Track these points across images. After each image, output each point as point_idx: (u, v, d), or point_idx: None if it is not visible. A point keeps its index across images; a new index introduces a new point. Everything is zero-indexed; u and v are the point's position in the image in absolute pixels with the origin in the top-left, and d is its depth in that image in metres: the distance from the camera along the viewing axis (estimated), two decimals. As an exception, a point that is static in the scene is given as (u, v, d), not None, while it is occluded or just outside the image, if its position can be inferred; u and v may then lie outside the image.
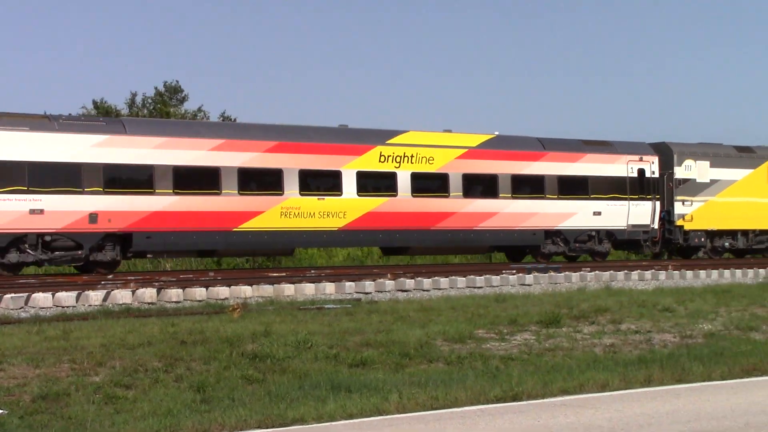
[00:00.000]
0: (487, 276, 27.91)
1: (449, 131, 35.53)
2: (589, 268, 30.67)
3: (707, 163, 38.60)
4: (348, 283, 25.34)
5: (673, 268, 31.16)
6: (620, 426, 10.85)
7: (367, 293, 24.85)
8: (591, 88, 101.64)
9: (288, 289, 24.32)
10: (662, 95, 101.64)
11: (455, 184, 33.54)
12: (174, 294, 22.70)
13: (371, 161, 32.30)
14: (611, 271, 30.11)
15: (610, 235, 36.63)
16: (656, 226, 37.32)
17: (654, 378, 14.28)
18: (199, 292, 23.11)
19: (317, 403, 12.15)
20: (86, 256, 27.79)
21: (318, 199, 30.98)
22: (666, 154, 38.09)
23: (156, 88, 51.13)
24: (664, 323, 19.94)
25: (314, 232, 31.19)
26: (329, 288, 24.93)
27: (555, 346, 17.56)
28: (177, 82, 51.13)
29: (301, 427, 11.19)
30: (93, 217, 27.57)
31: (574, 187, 35.67)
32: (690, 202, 37.97)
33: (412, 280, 26.53)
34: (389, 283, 26.02)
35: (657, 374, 14.48)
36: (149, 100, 50.55)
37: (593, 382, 13.73)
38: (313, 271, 29.18)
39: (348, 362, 15.46)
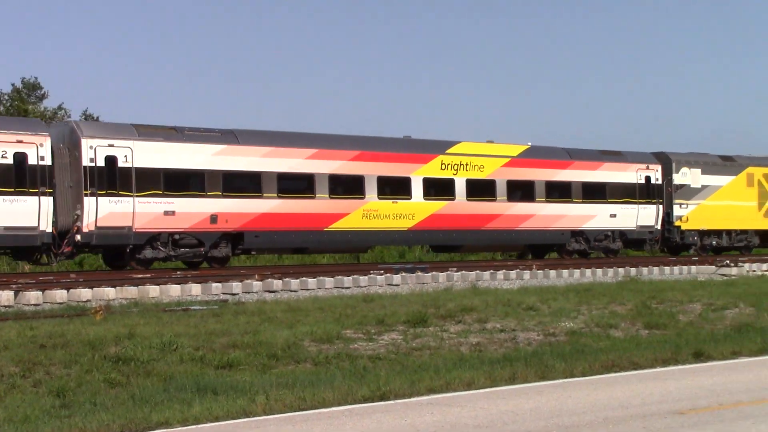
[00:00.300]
0: (355, 276, 27.96)
1: (491, 141, 39.97)
2: (455, 268, 31.07)
3: (699, 170, 43.59)
4: (214, 284, 25.00)
5: (537, 268, 31.88)
6: (486, 423, 10.99)
7: (234, 294, 24.55)
8: (593, 100, 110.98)
9: (153, 291, 23.81)
10: (654, 107, 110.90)
11: (501, 189, 37.57)
12: (33, 296, 21.91)
13: (434, 169, 36.08)
14: (477, 271, 30.55)
15: (622, 234, 41.09)
16: (659, 226, 41.95)
17: (518, 375, 14.55)
18: (59, 295, 22.39)
19: (182, 406, 11.90)
20: (205, 252, 30.89)
21: (392, 202, 34.67)
22: (666, 162, 42.68)
23: (13, 84, 49.42)
24: (528, 322, 20.37)
25: (389, 231, 34.85)
26: (195, 289, 24.53)
27: (422, 345, 17.71)
28: (36, 78, 49.53)
29: (165, 430, 10.95)
30: (213, 218, 30.77)
31: (594, 193, 40.11)
32: (686, 205, 42.70)
33: (280, 281, 26.36)
34: (256, 284, 25.78)
35: (521, 372, 14.76)
36: (5, 97, 48.74)
37: (459, 380, 13.89)
38: (179, 272, 28.66)
39: (214, 364, 15.22)
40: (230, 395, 12.62)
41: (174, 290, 24.19)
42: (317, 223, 32.79)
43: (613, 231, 40.63)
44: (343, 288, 26.74)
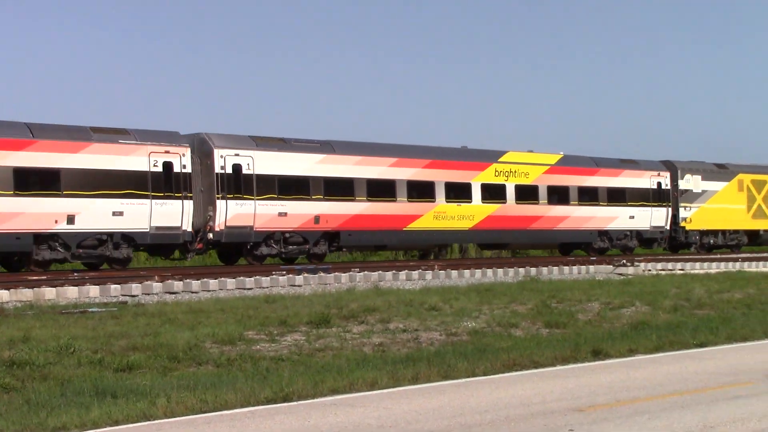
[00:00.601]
0: (257, 277, 27.71)
1: (531, 151, 45.21)
2: (358, 269, 31.06)
3: (699, 177, 49.53)
4: (113, 286, 24.43)
5: (439, 268, 32.11)
6: (389, 423, 10.99)
7: (133, 296, 24.06)
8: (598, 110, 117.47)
9: (49, 293, 23.18)
10: (652, 116, 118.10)
11: (542, 194, 42.86)
12: None
13: (490, 176, 41.31)
14: (380, 272, 30.57)
15: (638, 234, 46.83)
16: (668, 226, 47.64)
17: (421, 375, 14.59)
18: (-51, 297, 21.63)
19: (81, 410, 11.59)
20: (308, 249, 35.22)
21: (457, 205, 39.52)
22: (672, 169, 48.48)
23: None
24: (430, 322, 20.47)
25: (454, 231, 40.18)
26: (93, 291, 23.96)
27: (325, 346, 17.65)
28: None
29: (62, 436, 10.66)
30: (317, 218, 35.20)
31: (617, 197, 45.68)
32: (689, 208, 48.43)
33: (181, 282, 25.95)
34: (157, 286, 25.31)
35: (424, 371, 14.82)
36: None
37: (363, 380, 13.87)
38: (76, 274, 27.98)
39: (113, 367, 14.88)
40: (130, 398, 12.35)
41: (71, 292, 23.61)
42: (397, 224, 37.70)
43: (631, 231, 46.40)
44: (245, 289, 26.47)
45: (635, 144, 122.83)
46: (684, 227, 48.14)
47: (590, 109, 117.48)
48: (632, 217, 45.96)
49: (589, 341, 18.45)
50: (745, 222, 51.71)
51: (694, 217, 48.61)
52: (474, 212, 40.06)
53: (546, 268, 33.20)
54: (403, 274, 30.67)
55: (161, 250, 33.69)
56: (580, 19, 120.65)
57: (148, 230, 30.99)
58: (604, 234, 45.22)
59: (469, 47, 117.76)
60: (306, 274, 28.87)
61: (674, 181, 48.19)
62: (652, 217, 46.78)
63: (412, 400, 12.64)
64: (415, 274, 30.96)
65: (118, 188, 30.46)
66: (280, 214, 34.09)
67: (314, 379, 13.92)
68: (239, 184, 33.11)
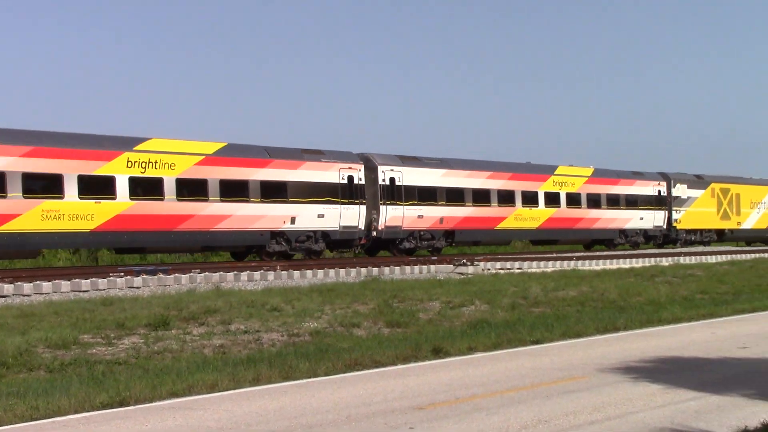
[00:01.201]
0: (94, 279, 26.79)
1: (572, 165, 56.16)
2: (198, 270, 30.45)
3: (686, 186, 61.56)
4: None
5: (281, 269, 31.87)
6: (229, 425, 10.81)
7: (-41, 300, 22.85)
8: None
9: None
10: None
11: (583, 200, 54.30)
12: None
13: (549, 185, 52.35)
14: (221, 273, 30.06)
15: (645, 232, 58.87)
16: (665, 226, 59.96)
17: (262, 377, 14.45)
18: None
19: None
20: (434, 244, 45.94)
21: (529, 209, 50.42)
22: (667, 179, 60.28)
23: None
24: (272, 323, 20.29)
25: (525, 230, 51.29)
26: None
27: (164, 348, 17.23)
28: None
29: None
30: (441, 220, 45.66)
31: (632, 202, 57.47)
32: (679, 211, 60.58)
33: (11, 285, 24.81)
34: (-16, 289, 24.12)
35: (265, 373, 14.68)
36: None
37: (203, 383, 13.62)
38: None
39: (-66, 375, 14.09)
40: (-48, 408, 11.70)
41: None
42: (491, 224, 48.56)
43: (640, 230, 58.28)
44: (80, 291, 25.52)
45: (630, 156, 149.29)
46: (676, 227, 60.38)
47: (588, 122, 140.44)
48: (642, 219, 58.09)
49: (430, 340, 18.69)
50: (716, 222, 64.05)
51: (682, 219, 60.91)
52: (540, 215, 51.16)
53: (388, 268, 33.43)
54: (244, 275, 30.23)
55: (343, 244, 43.23)
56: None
57: (338, 228, 40.81)
58: (622, 232, 57.10)
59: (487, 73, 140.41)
60: (145, 276, 28.13)
61: (669, 189, 60.13)
62: (655, 219, 59.01)
63: (252, 401, 12.49)
64: (257, 274, 30.57)
65: (321, 196, 40.15)
66: (419, 217, 44.51)
67: (152, 382, 13.57)
68: (393, 193, 43.26)
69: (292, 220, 38.82)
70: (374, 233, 42.50)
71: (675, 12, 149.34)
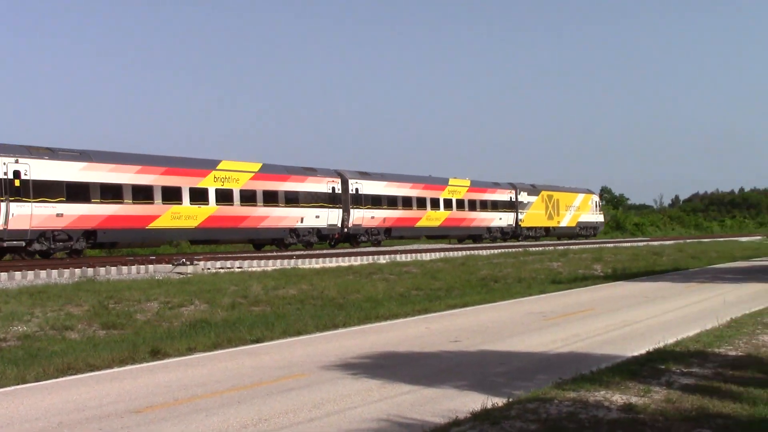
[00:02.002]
0: None
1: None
2: None
3: (526, 193, 76.03)
4: None
5: (-13, 270, 29.85)
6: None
7: None
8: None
9: None
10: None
11: (467, 205, 66.77)
12: None
13: (447, 193, 64.07)
14: None
15: (501, 229, 72.15)
16: (514, 224, 74.01)
17: (-36, 385, 13.46)
18: None
19: None
20: (378, 238, 57.48)
21: (435, 211, 61.96)
22: (515, 188, 74.49)
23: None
24: (-25, 327, 18.98)
25: (432, 227, 62.30)
26: None
27: None
28: None
29: None
30: (384, 220, 56.95)
31: (495, 206, 71.47)
32: (522, 213, 75.19)
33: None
34: None
35: (-33, 381, 13.69)
36: None
37: None
38: None
39: None
40: None
41: None
42: (412, 223, 60.08)
43: (499, 228, 71.72)
44: None
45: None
46: (521, 225, 74.17)
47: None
48: (500, 219, 71.09)
49: (148, 341, 18.22)
50: (545, 222, 78.83)
51: (525, 219, 74.80)
52: (440, 216, 63.18)
53: (104, 268, 32.17)
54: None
55: (325, 237, 53.73)
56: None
57: (326, 226, 52.28)
58: (488, 230, 70.32)
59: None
60: None
61: (516, 196, 73.80)
62: (508, 219, 72.53)
63: (-48, 412, 11.59)
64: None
65: (317, 202, 51.59)
66: (372, 218, 55.95)
67: None
68: (358, 200, 54.62)
69: (302, 220, 50.53)
70: (346, 230, 53.93)
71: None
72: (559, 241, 72.21)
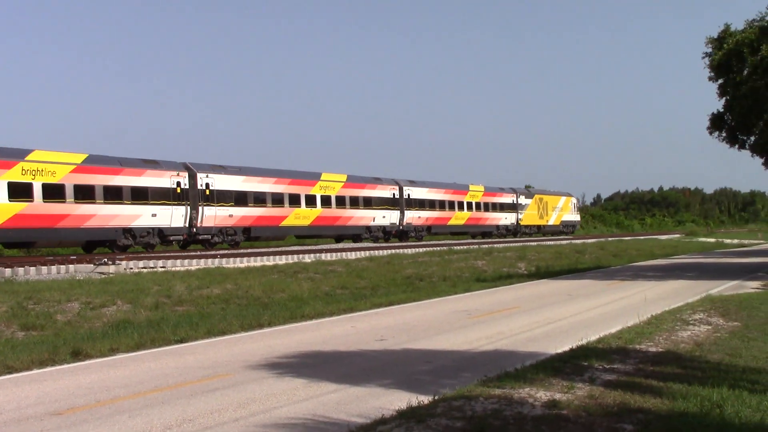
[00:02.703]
0: None
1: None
2: None
3: (524, 196, 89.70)
4: None
5: None
6: None
7: None
8: None
9: None
10: None
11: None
12: None
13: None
14: None
15: (506, 227, 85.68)
16: (516, 223, 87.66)
17: None
18: None
19: None
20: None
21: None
22: (515, 193, 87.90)
23: None
24: None
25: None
26: None
27: None
28: None
29: None
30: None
31: (497, 207, 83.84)
32: (521, 213, 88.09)
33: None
34: None
35: None
36: None
37: None
38: None
39: None
40: None
41: None
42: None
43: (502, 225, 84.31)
44: None
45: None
46: (520, 223, 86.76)
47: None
48: (506, 219, 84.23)
49: (69, 342, 17.88)
50: (537, 221, 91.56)
51: (524, 218, 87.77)
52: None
53: (22, 268, 31.50)
54: None
55: (389, 234, 62.59)
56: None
57: (389, 224, 63.18)
58: (496, 228, 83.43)
59: None
60: None
61: (517, 199, 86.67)
62: (511, 218, 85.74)
63: None
64: None
65: (383, 205, 64.85)
66: (419, 217, 69.08)
67: None
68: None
69: (373, 219, 64.03)
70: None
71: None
72: (483, 240, 72.55)
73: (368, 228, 64.11)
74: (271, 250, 47.06)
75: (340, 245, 57.76)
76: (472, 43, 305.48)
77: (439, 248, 52.41)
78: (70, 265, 32.62)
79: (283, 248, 50.13)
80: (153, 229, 45.92)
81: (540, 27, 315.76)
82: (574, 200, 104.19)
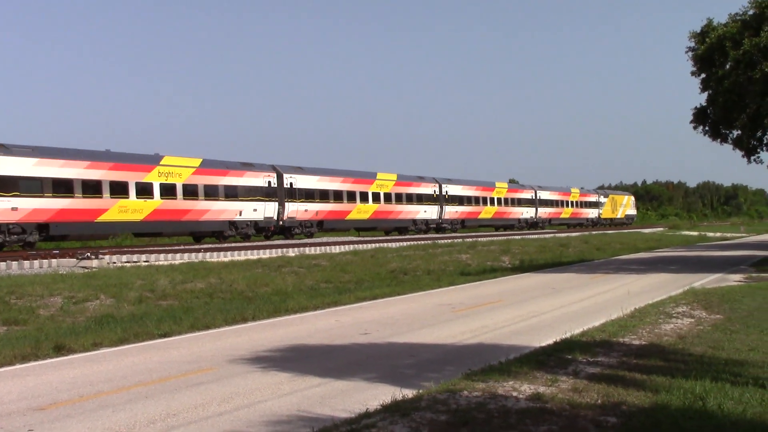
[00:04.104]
0: None
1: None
2: None
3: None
4: None
5: None
6: None
7: None
8: None
9: None
10: None
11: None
12: None
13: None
14: None
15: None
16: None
17: None
18: None
19: None
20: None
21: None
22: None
23: None
24: None
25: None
26: None
27: None
28: None
29: None
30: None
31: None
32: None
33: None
34: None
35: None
36: None
37: None
38: None
39: None
40: None
41: None
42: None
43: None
44: None
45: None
46: (601, 216, 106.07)
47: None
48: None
49: (52, 337, 17.80)
50: (610, 214, 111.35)
51: (603, 212, 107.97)
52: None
53: (4, 263, 31.31)
54: None
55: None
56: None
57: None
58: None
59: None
60: None
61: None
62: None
63: None
64: None
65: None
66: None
67: None
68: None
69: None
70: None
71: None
72: (467, 233, 72.58)
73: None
74: (255, 244, 46.85)
75: (325, 239, 57.86)
76: (459, 41, 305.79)
77: (423, 242, 52.46)
78: (53, 260, 32.43)
79: (267, 243, 49.95)
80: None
81: (528, 21, 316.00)
82: (633, 199, 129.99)
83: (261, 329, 19.53)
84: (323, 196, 58.69)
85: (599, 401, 10.25)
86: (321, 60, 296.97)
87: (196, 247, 42.80)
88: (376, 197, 64.64)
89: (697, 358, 13.35)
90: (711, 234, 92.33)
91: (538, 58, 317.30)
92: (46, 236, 39.97)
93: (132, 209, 43.80)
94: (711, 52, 39.04)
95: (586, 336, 15.71)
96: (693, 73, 40.97)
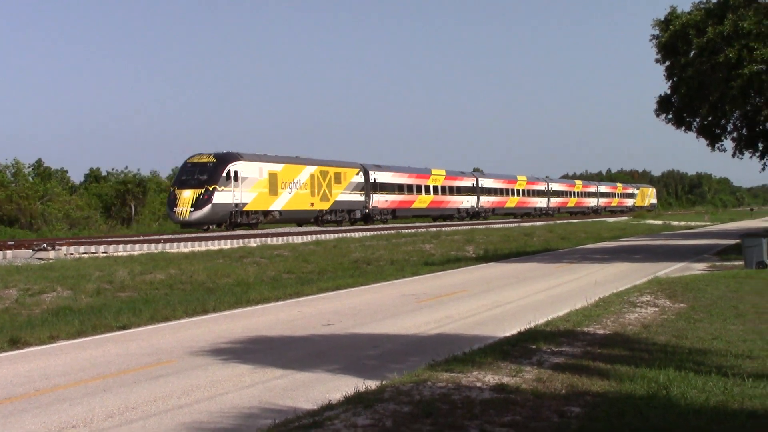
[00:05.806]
0: None
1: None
2: None
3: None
4: None
5: None
6: None
7: None
8: None
9: None
10: None
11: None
12: None
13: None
14: None
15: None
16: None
17: None
18: None
19: None
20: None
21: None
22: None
23: None
24: None
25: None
26: None
27: None
28: None
29: None
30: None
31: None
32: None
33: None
34: None
35: None
36: None
37: None
38: None
39: None
40: None
41: None
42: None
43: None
44: None
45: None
46: (635, 204, 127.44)
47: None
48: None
49: (7, 330, 17.46)
50: (641, 203, 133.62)
51: (636, 202, 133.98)
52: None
53: (-39, 254, 30.73)
54: None
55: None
56: None
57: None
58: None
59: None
60: None
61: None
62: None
63: None
64: None
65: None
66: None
67: None
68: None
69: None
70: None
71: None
72: (434, 223, 72.66)
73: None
74: (215, 234, 46.28)
75: (287, 229, 57.42)
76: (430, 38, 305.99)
77: (386, 232, 52.26)
78: (8, 251, 31.80)
79: (228, 233, 49.40)
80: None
81: (494, 12, 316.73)
82: (654, 190, 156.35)
83: (222, 321, 19.28)
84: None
85: (563, 391, 10.16)
86: (323, 59, 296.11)
87: (156, 237, 42.26)
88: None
89: (661, 347, 13.32)
90: (675, 223, 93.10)
91: (505, 48, 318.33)
92: (393, 216, 70.45)
93: (423, 201, 74.57)
94: (675, 39, 39.21)
95: (550, 326, 15.65)
96: (657, 61, 41.16)
